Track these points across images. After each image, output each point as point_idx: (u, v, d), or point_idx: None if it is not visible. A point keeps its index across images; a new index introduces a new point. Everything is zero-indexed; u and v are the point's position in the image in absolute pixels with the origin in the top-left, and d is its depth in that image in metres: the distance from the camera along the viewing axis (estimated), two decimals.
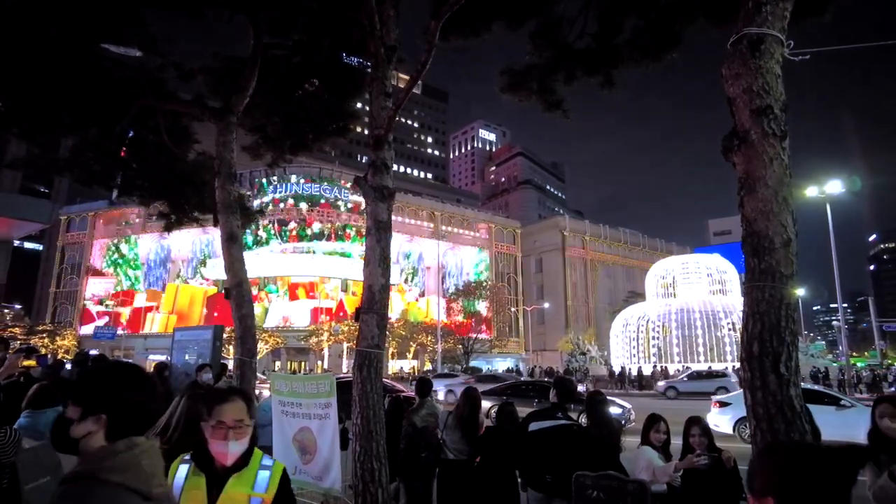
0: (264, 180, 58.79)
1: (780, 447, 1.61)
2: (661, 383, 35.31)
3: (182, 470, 2.25)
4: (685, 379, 34.18)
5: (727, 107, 3.41)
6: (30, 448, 3.43)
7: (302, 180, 60.34)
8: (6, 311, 51.81)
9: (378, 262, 5.22)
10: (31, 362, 5.01)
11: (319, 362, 54.01)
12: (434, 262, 61.54)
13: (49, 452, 3.49)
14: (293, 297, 57.29)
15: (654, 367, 45.33)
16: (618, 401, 16.50)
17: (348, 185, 58.43)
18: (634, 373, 43.42)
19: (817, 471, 1.26)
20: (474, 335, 52.92)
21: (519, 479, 5.11)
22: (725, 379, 31.70)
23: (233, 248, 7.11)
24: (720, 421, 13.99)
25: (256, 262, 53.69)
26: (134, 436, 1.56)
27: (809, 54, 3.42)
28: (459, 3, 4.48)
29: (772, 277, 3.05)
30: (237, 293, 6.96)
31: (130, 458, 1.50)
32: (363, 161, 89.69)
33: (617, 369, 46.11)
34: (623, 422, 14.66)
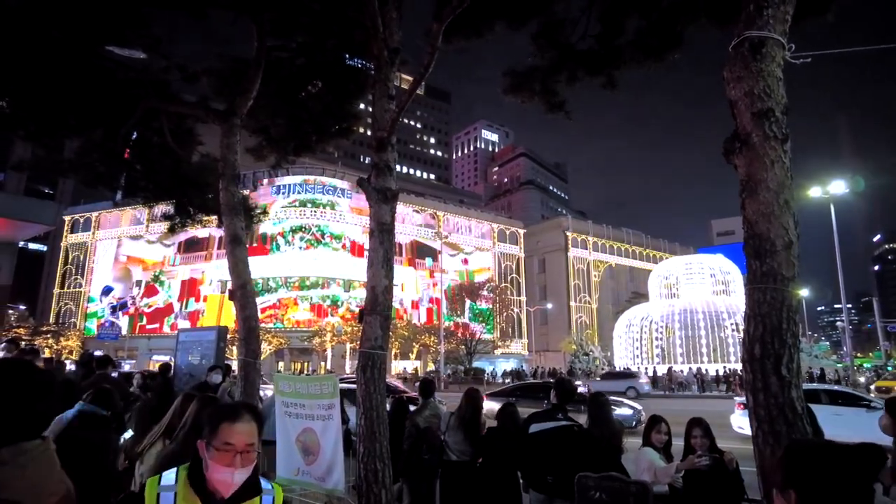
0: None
1: (800, 443, 1.70)
2: (578, 382, 36.90)
3: (167, 498, 1.84)
4: (598, 379, 37.12)
5: (729, 109, 3.43)
6: None
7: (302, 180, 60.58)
8: (10, 311, 52.05)
9: (381, 263, 5.25)
10: (41, 365, 5.05)
11: (322, 363, 54.10)
12: None
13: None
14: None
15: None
16: (628, 402, 16.42)
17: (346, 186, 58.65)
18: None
19: (837, 464, 1.36)
20: (477, 337, 52.97)
21: (521, 481, 5.13)
22: (634, 379, 34.17)
23: (237, 250, 7.14)
24: (744, 423, 13.91)
25: (263, 264, 53.93)
26: (23, 440, 1.40)
27: (811, 57, 3.43)
28: (462, 5, 4.50)
29: (773, 280, 3.07)
30: (241, 294, 6.99)
31: (12, 471, 1.35)
32: (366, 161, 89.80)
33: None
34: (634, 423, 14.76)
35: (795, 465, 1.40)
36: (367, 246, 5.67)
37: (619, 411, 15.06)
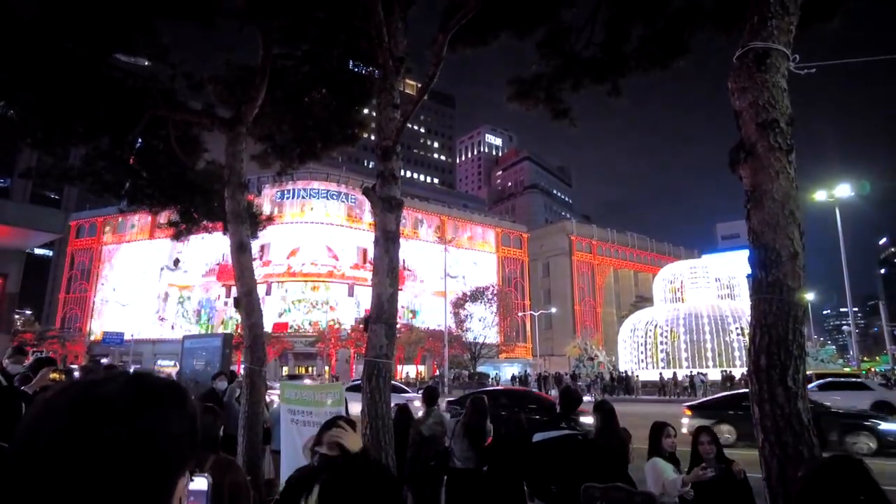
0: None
1: (815, 469, 1.72)
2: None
3: None
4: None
5: (733, 119, 3.44)
6: None
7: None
8: (16, 316, 52.26)
9: (386, 271, 5.26)
10: (59, 375, 5.05)
11: (327, 367, 54.12)
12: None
13: None
14: None
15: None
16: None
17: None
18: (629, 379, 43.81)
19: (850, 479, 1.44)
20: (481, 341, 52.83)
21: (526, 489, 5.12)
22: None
23: (242, 258, 7.17)
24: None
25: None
26: None
27: (815, 68, 3.44)
28: (467, 17, 4.52)
29: (779, 290, 3.06)
30: (247, 302, 7.01)
31: None
32: (370, 166, 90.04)
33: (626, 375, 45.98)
34: None
35: (828, 487, 1.41)
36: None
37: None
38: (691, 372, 41.06)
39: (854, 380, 22.25)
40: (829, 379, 21.04)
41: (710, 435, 4.39)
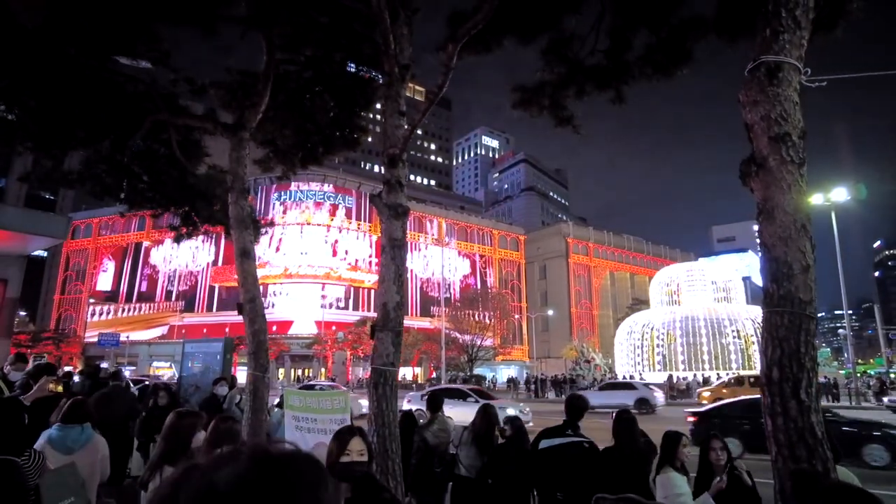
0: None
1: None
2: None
3: None
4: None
5: (736, 125, 3.45)
6: (54, 469, 3.45)
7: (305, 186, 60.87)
8: None
9: (393, 279, 5.25)
10: (59, 387, 5.03)
11: (323, 370, 54.02)
12: None
13: (73, 473, 3.50)
14: None
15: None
16: None
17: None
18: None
19: None
20: (478, 342, 52.76)
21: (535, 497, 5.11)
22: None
23: (246, 264, 7.14)
24: None
25: None
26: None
27: (826, 81, 3.46)
28: (478, 27, 4.52)
29: (791, 303, 3.07)
30: (250, 308, 6.98)
31: None
32: (367, 168, 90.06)
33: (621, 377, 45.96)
34: None
35: None
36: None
37: None
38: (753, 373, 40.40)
39: (624, 381, 30.72)
40: (608, 381, 31.71)
41: (722, 442, 4.36)
